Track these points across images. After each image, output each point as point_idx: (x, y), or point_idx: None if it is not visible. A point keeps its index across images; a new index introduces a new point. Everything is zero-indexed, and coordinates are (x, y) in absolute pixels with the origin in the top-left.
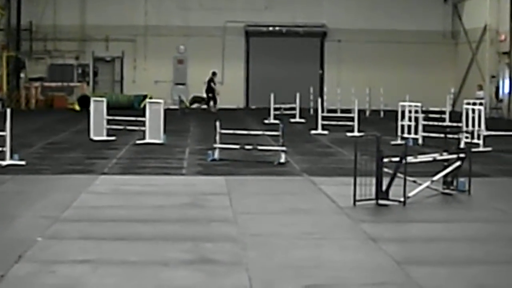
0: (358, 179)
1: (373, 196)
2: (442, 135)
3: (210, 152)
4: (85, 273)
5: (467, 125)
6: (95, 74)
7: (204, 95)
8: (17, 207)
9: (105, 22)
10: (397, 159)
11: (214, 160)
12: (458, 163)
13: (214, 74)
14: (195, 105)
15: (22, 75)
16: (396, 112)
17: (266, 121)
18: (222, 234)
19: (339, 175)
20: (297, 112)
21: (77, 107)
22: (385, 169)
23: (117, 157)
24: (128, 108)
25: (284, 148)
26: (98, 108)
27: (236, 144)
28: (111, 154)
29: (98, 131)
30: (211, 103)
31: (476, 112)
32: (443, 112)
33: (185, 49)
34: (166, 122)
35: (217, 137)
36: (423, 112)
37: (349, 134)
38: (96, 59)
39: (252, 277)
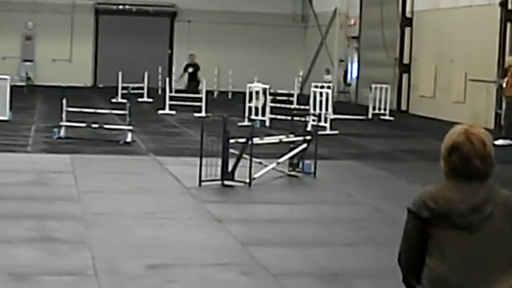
0: (204, 160)
1: (219, 177)
2: (289, 118)
3: (56, 130)
4: None
5: (314, 108)
6: None
7: None
8: None
9: None
10: (243, 140)
11: (60, 138)
12: (304, 146)
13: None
14: None
15: None
16: (244, 93)
17: (113, 100)
18: (66, 213)
19: (185, 155)
20: (145, 91)
21: None
22: (231, 150)
23: None
24: None
25: (130, 127)
26: None
27: (82, 122)
28: None
29: None
30: None
31: (324, 95)
32: (291, 95)
33: (34, 25)
34: (13, 99)
35: (64, 115)
36: (271, 94)
37: (196, 114)
38: None
39: (95, 256)
